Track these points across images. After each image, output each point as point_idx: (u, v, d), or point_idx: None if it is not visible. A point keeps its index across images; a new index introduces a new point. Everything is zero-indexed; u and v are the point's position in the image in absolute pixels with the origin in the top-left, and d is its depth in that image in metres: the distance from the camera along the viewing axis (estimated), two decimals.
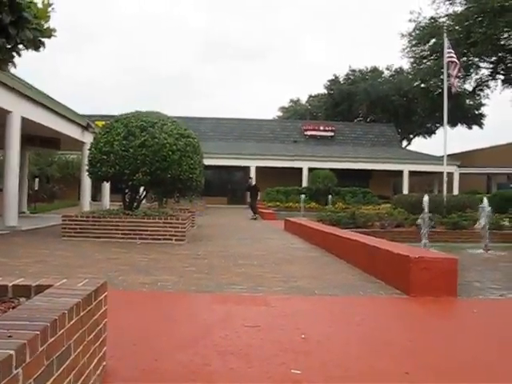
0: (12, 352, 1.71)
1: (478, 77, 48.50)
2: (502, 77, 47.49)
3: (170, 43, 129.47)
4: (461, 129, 60.34)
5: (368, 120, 63.09)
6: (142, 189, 13.90)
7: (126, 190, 13.48)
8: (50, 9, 2.92)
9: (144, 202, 15.50)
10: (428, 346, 4.08)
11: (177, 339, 3.96)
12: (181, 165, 12.35)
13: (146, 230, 11.69)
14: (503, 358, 3.81)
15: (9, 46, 2.85)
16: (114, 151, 12.13)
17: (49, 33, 2.95)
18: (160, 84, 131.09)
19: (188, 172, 12.59)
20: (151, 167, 12.10)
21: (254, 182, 25.91)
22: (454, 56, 26.00)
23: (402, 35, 48.13)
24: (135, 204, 13.44)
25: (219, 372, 3.24)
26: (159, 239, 11.54)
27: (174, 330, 4.27)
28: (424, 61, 48.40)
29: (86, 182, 20.30)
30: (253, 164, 40.62)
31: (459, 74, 28.39)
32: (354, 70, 64.11)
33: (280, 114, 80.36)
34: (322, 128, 49.79)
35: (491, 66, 47.34)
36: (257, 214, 24.36)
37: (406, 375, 3.34)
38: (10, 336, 1.88)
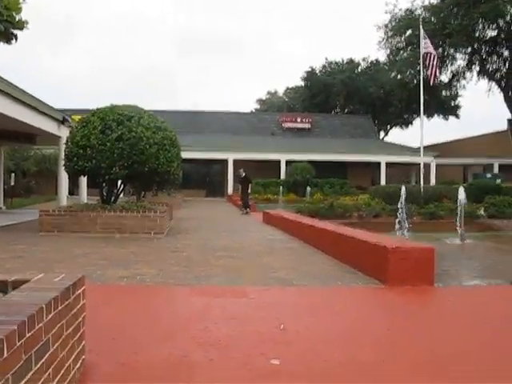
0: None
1: (453, 68, 48.88)
2: (477, 68, 47.93)
3: (146, 39, 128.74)
4: (437, 120, 60.93)
5: (345, 111, 63.35)
6: (119, 182, 13.81)
7: (104, 184, 13.39)
8: (21, 0, 2.88)
9: (122, 195, 15.42)
10: (405, 335, 4.14)
11: (156, 332, 3.97)
12: (158, 158, 12.30)
13: (125, 224, 11.64)
14: (476, 344, 3.88)
15: None
16: (91, 145, 12.03)
17: (21, 25, 2.92)
18: (136, 79, 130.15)
19: (165, 165, 12.54)
20: (128, 161, 12.03)
21: (243, 174, 23.17)
22: (431, 46, 26.21)
23: (379, 27, 48.31)
24: (113, 198, 13.36)
25: (198, 363, 3.26)
26: (137, 233, 11.49)
27: (153, 323, 4.27)
28: (400, 52, 48.63)
29: (63, 177, 20.08)
30: (230, 157, 40.59)
31: (438, 64, 28.62)
32: (330, 62, 64.19)
33: (257, 106, 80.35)
34: (299, 120, 49.90)
35: (467, 57, 47.73)
36: (248, 209, 22.04)
37: (384, 363, 3.39)
38: None
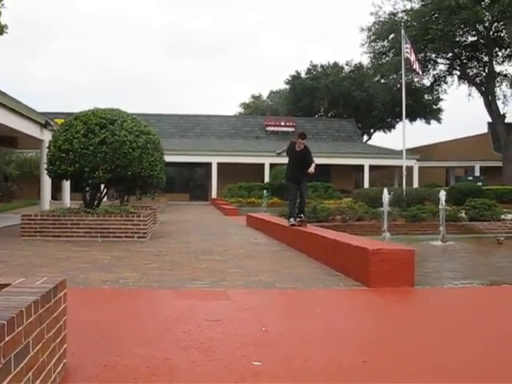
0: None
1: (435, 72, 49.29)
2: (458, 72, 48.43)
3: (131, 42, 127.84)
4: (420, 124, 61.44)
5: (329, 115, 63.55)
6: (102, 186, 13.77)
7: (87, 188, 13.35)
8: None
9: (105, 199, 15.37)
10: (386, 335, 4.19)
11: (139, 335, 3.98)
12: (141, 162, 12.29)
13: (108, 228, 11.60)
14: (456, 342, 3.93)
15: None
16: (74, 149, 11.98)
17: (0, 29, 2.92)
18: (120, 82, 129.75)
19: (149, 169, 12.53)
20: (111, 165, 12.00)
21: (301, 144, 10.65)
22: (412, 53, 26.65)
23: (362, 29, 48.58)
24: (96, 202, 13.32)
25: (181, 366, 3.28)
26: (121, 237, 11.46)
27: (136, 326, 4.28)
28: (383, 56, 48.96)
29: (46, 181, 19.97)
30: (214, 160, 40.60)
31: (418, 65, 29.09)
32: (315, 66, 64.43)
33: (241, 110, 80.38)
34: (283, 124, 49.99)
35: (448, 61, 48.21)
36: (303, 216, 10.90)
37: (364, 363, 3.43)
38: None
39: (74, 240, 11.11)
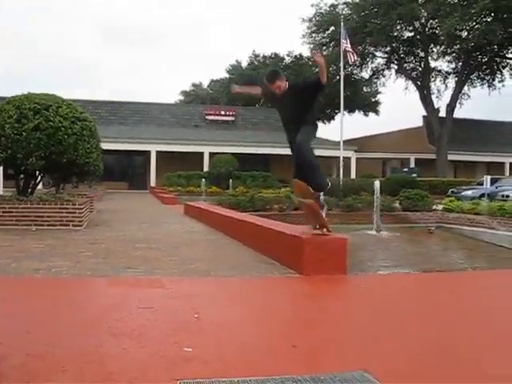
0: None
1: (374, 65, 50.40)
2: (395, 66, 49.59)
3: (68, 28, 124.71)
4: (358, 115, 62.57)
5: (269, 105, 63.81)
6: (37, 173, 13.46)
7: (21, 176, 13.02)
8: None
9: (41, 187, 15.03)
10: (315, 320, 4.31)
11: (71, 324, 3.95)
12: (77, 149, 12.07)
13: (42, 216, 11.35)
14: (383, 326, 4.09)
15: None
16: (6, 134, 11.65)
17: None
18: (56, 70, 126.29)
19: (84, 156, 12.32)
20: (46, 151, 11.74)
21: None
22: (349, 46, 27.31)
23: (303, 20, 49.05)
24: (30, 190, 13.01)
25: (111, 353, 3.29)
26: (56, 225, 11.25)
27: (68, 315, 4.25)
28: (323, 48, 49.55)
29: None
30: (153, 148, 40.24)
31: (355, 57, 29.81)
32: (256, 55, 64.59)
33: (181, 98, 79.71)
34: (223, 113, 49.99)
35: (386, 55, 49.29)
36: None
37: (294, 348, 3.53)
38: None
39: (6, 228, 10.82)
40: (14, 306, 4.30)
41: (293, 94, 6.23)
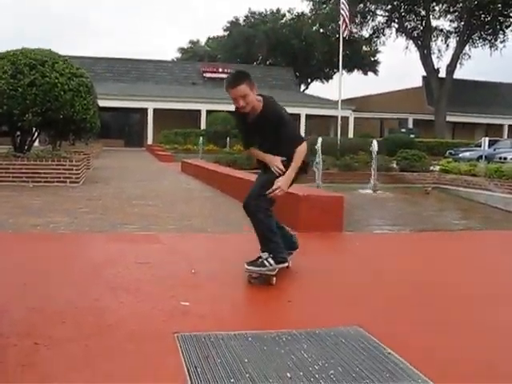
0: None
1: (374, 24, 49.65)
2: (396, 25, 48.89)
3: None
4: (357, 74, 62.08)
5: (267, 63, 63.24)
6: (34, 130, 13.38)
7: (17, 133, 12.95)
8: None
9: (37, 144, 14.97)
10: (310, 276, 4.36)
11: (68, 278, 3.99)
12: (73, 105, 11.98)
13: (39, 173, 11.35)
14: (376, 283, 4.14)
15: None
16: (1, 90, 11.52)
17: None
18: (51, 22, 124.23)
19: (81, 113, 12.25)
20: (42, 107, 11.65)
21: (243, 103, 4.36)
22: (347, 11, 27.03)
23: None
24: (26, 146, 12.96)
25: (109, 306, 3.33)
26: (53, 182, 11.25)
27: (66, 269, 4.29)
28: (323, 6, 48.81)
29: None
30: (150, 106, 39.97)
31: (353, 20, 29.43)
32: (254, 13, 63.64)
33: (179, 55, 78.74)
34: (220, 70, 49.40)
35: (387, 14, 48.55)
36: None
37: (289, 303, 3.58)
38: None
39: (3, 185, 10.82)
40: (11, 260, 4.34)
41: (268, 120, 4.09)
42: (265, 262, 3.98)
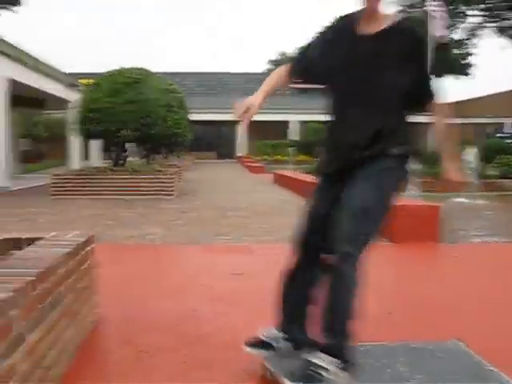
0: (6, 295, 1.82)
1: (465, 26, 47.93)
2: (492, 24, 46.90)
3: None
4: (448, 79, 60.23)
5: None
6: (127, 145, 13.91)
7: (114, 148, 13.53)
8: None
9: (131, 159, 15.52)
10: (410, 287, 4.25)
11: (165, 288, 4.10)
12: (166, 120, 12.38)
13: (134, 186, 11.77)
14: (478, 297, 3.99)
15: None
16: (101, 108, 12.11)
17: None
18: (136, 41, 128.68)
19: (173, 127, 12.63)
20: (138, 123, 12.12)
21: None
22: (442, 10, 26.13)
23: None
24: (122, 161, 13.49)
25: (206, 316, 3.39)
26: (147, 195, 11.62)
27: (162, 279, 4.41)
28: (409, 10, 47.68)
29: (74, 141, 20.25)
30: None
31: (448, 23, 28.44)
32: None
33: (269, 67, 79.32)
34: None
35: (481, 13, 46.72)
36: None
37: (389, 315, 3.51)
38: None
39: (101, 198, 11.30)
40: (109, 270, 4.48)
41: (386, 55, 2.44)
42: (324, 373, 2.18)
